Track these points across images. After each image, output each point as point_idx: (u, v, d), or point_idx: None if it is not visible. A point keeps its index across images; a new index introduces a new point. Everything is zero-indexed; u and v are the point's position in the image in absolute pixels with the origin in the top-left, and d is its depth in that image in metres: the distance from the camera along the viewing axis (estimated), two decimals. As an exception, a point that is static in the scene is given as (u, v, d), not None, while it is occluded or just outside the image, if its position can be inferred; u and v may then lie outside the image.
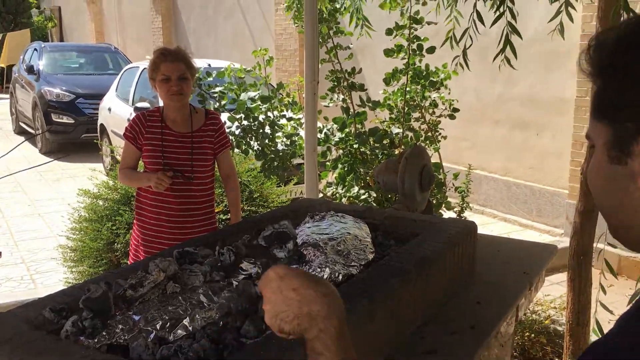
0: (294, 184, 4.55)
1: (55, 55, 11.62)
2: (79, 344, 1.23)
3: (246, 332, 1.36)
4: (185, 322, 1.34)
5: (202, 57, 10.56)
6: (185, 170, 2.93)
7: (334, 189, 3.81)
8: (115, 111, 8.16)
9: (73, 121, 9.86)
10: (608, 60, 0.75)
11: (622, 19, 2.79)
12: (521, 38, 2.80)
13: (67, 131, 9.89)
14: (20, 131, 11.75)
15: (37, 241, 5.69)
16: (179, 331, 1.32)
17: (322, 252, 1.68)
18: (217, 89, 3.99)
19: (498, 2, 2.72)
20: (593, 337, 3.75)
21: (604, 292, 2.79)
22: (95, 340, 1.24)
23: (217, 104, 3.96)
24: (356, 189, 3.76)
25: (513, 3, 2.73)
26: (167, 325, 1.32)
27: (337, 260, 1.65)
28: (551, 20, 2.78)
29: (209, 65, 6.95)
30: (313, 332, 0.87)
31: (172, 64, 2.86)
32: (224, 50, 11.42)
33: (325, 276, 1.58)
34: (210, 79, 4.08)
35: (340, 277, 1.60)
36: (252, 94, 3.90)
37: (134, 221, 3.09)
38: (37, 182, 7.98)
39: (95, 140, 7.71)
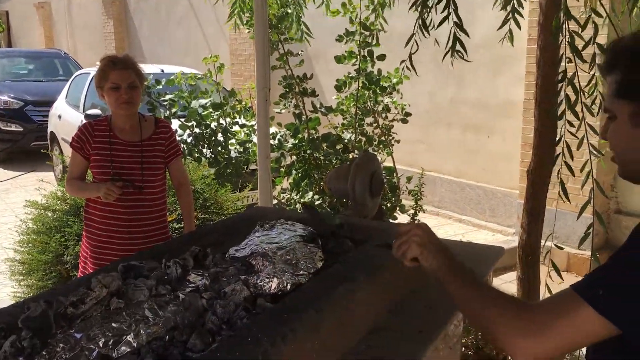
0: (249, 190, 4.53)
1: (3, 61, 11.28)
2: (17, 365, 1.19)
3: (192, 346, 1.35)
4: (129, 338, 1.32)
5: (156, 63, 10.44)
6: (135, 179, 2.88)
7: (289, 195, 3.82)
8: (66, 118, 7.97)
9: (22, 129, 9.58)
10: (622, 56, 1.13)
11: (563, 25, 2.89)
12: (468, 36, 2.86)
13: (15, 139, 9.60)
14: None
15: (-16, 254, 5.49)
16: (123, 348, 1.31)
17: (271, 262, 1.68)
18: (168, 97, 3.95)
19: (443, 6, 2.77)
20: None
21: (550, 292, 2.88)
22: (35, 361, 1.21)
23: (168, 112, 3.92)
24: (310, 194, 3.77)
25: (456, 6, 2.79)
26: (110, 342, 1.29)
27: (286, 269, 1.65)
28: (500, 28, 2.86)
29: (162, 70, 6.87)
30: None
31: (121, 72, 2.81)
32: (177, 56, 11.29)
33: (273, 286, 1.58)
34: (160, 86, 4.03)
35: (289, 286, 1.60)
36: (203, 101, 3.87)
37: (83, 232, 3.03)
38: (-17, 192, 7.72)
39: (42, 151, 7.51)
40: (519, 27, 2.81)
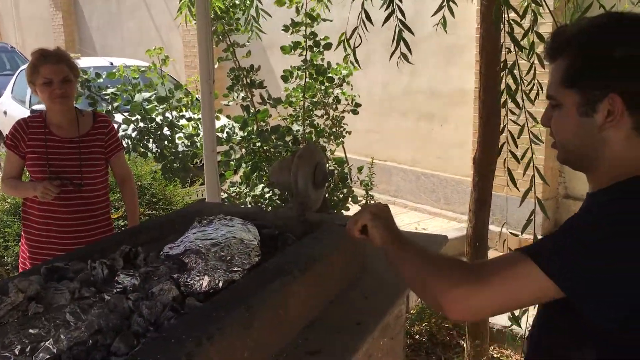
0: (199, 185, 4.46)
1: (-55, 56, 10.82)
2: None
3: (116, 350, 1.30)
4: (49, 344, 1.27)
5: (108, 55, 10.18)
6: (74, 177, 2.79)
7: (238, 189, 3.78)
8: (12, 114, 7.69)
9: (-34, 126, 9.21)
10: (568, 43, 1.13)
11: (503, 15, 2.92)
12: (413, 34, 2.86)
13: (-41, 137, 9.23)
14: None
15: None
16: (42, 354, 1.25)
17: (204, 259, 1.64)
18: (109, 91, 3.84)
19: (387, 1, 2.76)
20: (492, 320, 3.93)
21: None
22: (-58, 373, 1.15)
23: (110, 106, 3.81)
24: (260, 187, 3.74)
25: (401, 1, 2.79)
26: (28, 349, 1.24)
27: (218, 266, 1.62)
28: (434, 14, 2.87)
29: (111, 63, 6.69)
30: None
31: (53, 66, 2.71)
32: (130, 48, 11.04)
33: (204, 285, 1.55)
34: (101, 80, 3.92)
35: (221, 284, 1.57)
36: (147, 94, 3.78)
37: (22, 233, 2.93)
38: None
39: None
40: (453, 15, 2.83)
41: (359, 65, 2.81)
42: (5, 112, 7.95)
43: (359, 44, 2.72)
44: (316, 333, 1.64)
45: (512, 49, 2.88)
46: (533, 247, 1.11)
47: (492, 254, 4.36)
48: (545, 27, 4.08)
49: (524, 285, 1.08)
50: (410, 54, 2.89)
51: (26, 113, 6.97)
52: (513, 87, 2.92)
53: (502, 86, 2.99)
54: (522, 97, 2.93)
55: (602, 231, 1.04)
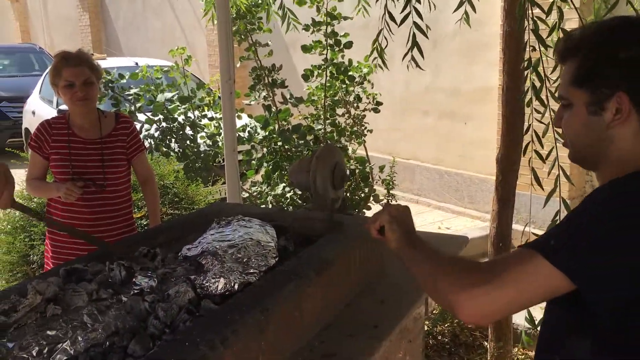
0: (222, 184, 4.48)
1: (-24, 57, 11.08)
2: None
3: (132, 352, 1.31)
4: (66, 345, 1.28)
5: (133, 55, 10.30)
6: (97, 178, 2.82)
7: (259, 188, 3.78)
8: (40, 114, 7.84)
9: (-4, 126, 9.43)
10: (578, 45, 1.16)
11: (527, 12, 2.87)
12: (427, 37, 2.83)
13: (-10, 136, 9.45)
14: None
15: (-44, 255, 5.40)
16: (59, 356, 1.27)
17: (220, 261, 1.64)
18: (133, 91, 3.88)
19: (404, 2, 2.73)
20: (516, 321, 3.87)
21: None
22: (-38, 374, 1.17)
23: (133, 106, 3.85)
24: (281, 187, 3.74)
25: (420, 2, 2.76)
26: (45, 350, 1.26)
27: (235, 268, 1.62)
28: (455, 10, 2.84)
29: (136, 63, 6.76)
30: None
31: (75, 69, 2.74)
32: (154, 47, 11.15)
33: (220, 287, 1.55)
34: (124, 80, 3.96)
35: (237, 286, 1.57)
36: (169, 94, 3.81)
37: (46, 232, 2.97)
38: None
39: (14, 151, 7.36)
40: (474, 10, 2.79)
41: (387, 67, 2.80)
42: (33, 112, 8.10)
43: (386, 46, 2.70)
44: (332, 336, 1.63)
45: (536, 46, 2.83)
46: (540, 242, 1.12)
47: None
48: (572, 24, 4.00)
49: (535, 281, 1.08)
50: (423, 58, 2.86)
51: (53, 113, 7.10)
52: (538, 85, 2.86)
53: (527, 84, 2.94)
54: (547, 95, 2.88)
55: (606, 226, 1.06)
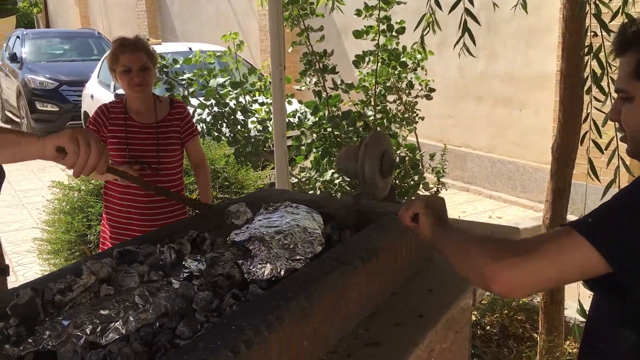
0: (271, 169, 4.52)
1: (38, 42, 11.50)
2: (4, 352, 1.22)
3: (181, 333, 1.35)
4: (118, 325, 1.33)
5: (188, 40, 10.46)
6: (152, 161, 2.90)
7: (308, 174, 3.80)
8: (98, 98, 8.10)
9: (57, 109, 9.79)
10: (637, 37, 1.12)
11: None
12: (479, 24, 2.75)
13: (51, 119, 9.83)
14: (6, 120, 11.66)
15: (20, 232, 5.68)
16: (111, 335, 1.31)
17: (267, 247, 1.66)
18: (186, 76, 3.95)
19: None
20: (568, 314, 3.77)
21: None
22: (21, 348, 1.23)
23: (186, 91, 3.92)
24: (330, 173, 3.74)
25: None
26: (98, 329, 1.30)
27: (281, 254, 1.63)
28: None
29: (190, 49, 6.87)
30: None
31: (132, 55, 2.81)
32: (208, 32, 11.30)
33: (266, 272, 1.57)
34: (178, 65, 4.03)
35: (283, 272, 1.58)
36: (221, 79, 3.85)
37: (103, 213, 3.08)
38: (22, 171, 7.94)
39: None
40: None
41: (426, 53, 2.74)
42: (92, 96, 8.37)
43: (427, 32, 2.64)
44: (376, 324, 1.63)
45: (598, 32, 2.71)
46: (580, 220, 1.10)
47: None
48: (638, 8, 3.82)
49: (570, 258, 1.06)
50: (474, 44, 2.78)
51: (111, 97, 7.32)
52: (598, 72, 2.75)
53: (587, 71, 2.83)
54: (608, 83, 2.76)
55: None
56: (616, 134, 2.78)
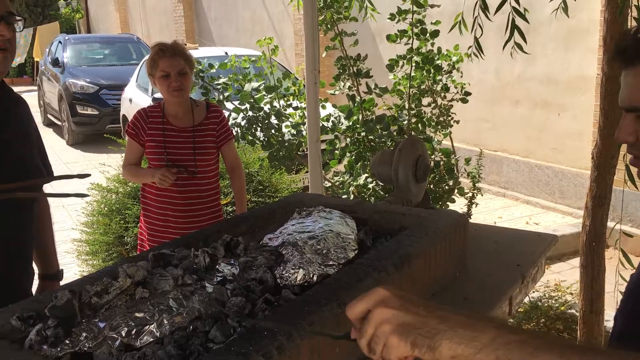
0: (305, 173, 4.53)
1: (79, 47, 11.79)
2: (42, 353, 1.24)
3: (214, 337, 1.35)
4: (152, 327, 1.34)
5: (224, 44, 10.59)
6: (189, 165, 2.94)
7: (341, 178, 3.79)
8: (136, 102, 8.26)
9: (97, 112, 10.03)
10: None
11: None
12: (527, 22, 2.71)
13: (92, 123, 10.07)
14: (48, 123, 11.99)
15: (59, 233, 5.80)
16: (146, 337, 1.33)
17: (300, 252, 1.66)
18: (221, 80, 3.99)
19: None
20: (609, 325, 3.66)
21: (624, 279, 2.72)
22: (58, 349, 1.25)
23: (221, 95, 3.97)
24: (364, 177, 3.73)
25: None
26: (133, 331, 1.32)
27: (314, 260, 1.63)
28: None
29: (226, 53, 6.94)
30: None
31: (170, 60, 2.86)
32: (244, 37, 11.42)
33: (299, 278, 1.57)
34: (214, 70, 4.08)
35: (315, 278, 1.58)
36: (256, 84, 3.88)
37: (141, 216, 3.13)
38: (62, 173, 8.13)
39: (108, 135, 7.79)
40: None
41: (483, 54, 2.71)
42: (130, 100, 8.54)
43: (481, 35, 2.62)
44: (410, 332, 1.61)
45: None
46: None
47: (609, 253, 4.07)
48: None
49: None
50: (526, 42, 2.73)
51: (149, 101, 7.46)
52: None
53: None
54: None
55: None
56: (624, 157, 2.70)
